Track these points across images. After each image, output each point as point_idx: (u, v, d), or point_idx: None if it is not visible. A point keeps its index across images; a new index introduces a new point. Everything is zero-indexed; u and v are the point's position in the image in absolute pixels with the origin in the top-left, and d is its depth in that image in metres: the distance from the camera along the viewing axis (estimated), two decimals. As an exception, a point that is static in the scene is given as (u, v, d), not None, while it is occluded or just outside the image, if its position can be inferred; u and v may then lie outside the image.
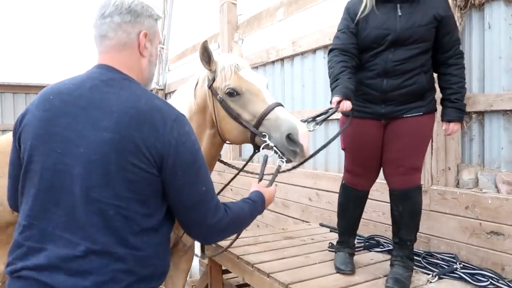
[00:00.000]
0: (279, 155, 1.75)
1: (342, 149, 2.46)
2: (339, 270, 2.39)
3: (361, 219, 2.55)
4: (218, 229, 1.29)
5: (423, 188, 2.48)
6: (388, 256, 2.59)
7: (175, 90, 7.66)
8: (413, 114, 2.18)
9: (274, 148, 1.74)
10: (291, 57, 4.39)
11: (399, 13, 2.13)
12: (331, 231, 3.39)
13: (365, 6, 2.18)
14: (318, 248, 2.89)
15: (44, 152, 1.15)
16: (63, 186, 1.12)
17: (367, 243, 2.90)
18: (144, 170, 1.12)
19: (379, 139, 2.28)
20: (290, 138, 1.70)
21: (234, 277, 3.54)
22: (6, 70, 7.75)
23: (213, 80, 1.90)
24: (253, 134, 1.80)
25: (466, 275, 2.26)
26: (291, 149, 1.71)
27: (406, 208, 2.24)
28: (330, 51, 2.29)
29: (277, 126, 1.74)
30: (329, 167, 3.91)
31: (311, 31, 4.02)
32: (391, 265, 2.29)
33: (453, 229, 2.61)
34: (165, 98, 7.45)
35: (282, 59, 4.54)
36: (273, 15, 4.75)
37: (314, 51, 4.05)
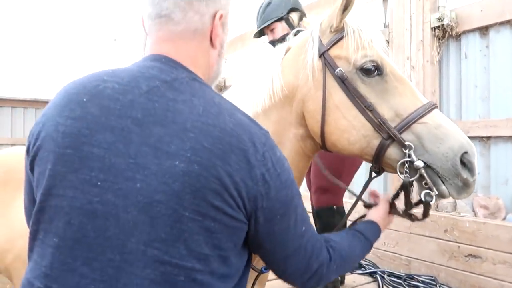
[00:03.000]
0: (427, 183, 1.10)
1: None
2: None
3: None
4: (320, 276, 0.94)
5: (404, 211, 2.54)
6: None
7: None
8: None
9: (423, 171, 1.09)
10: (274, 78, 4.46)
11: None
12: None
13: None
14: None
15: (73, 184, 0.78)
16: (103, 238, 0.76)
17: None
18: (229, 216, 0.77)
19: None
20: (464, 162, 1.10)
21: None
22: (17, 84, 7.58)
23: (332, 44, 1.22)
24: (386, 144, 1.13)
25: (446, 298, 2.30)
26: (464, 177, 1.08)
27: (320, 226, 2.31)
28: None
29: (440, 137, 1.11)
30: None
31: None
32: None
33: (432, 252, 2.67)
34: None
35: (265, 80, 4.60)
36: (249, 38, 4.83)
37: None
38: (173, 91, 0.81)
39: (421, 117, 1.12)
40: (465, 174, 1.08)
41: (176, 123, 0.77)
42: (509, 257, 2.27)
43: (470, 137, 2.85)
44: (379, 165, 1.19)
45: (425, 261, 2.71)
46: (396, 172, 1.14)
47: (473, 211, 2.59)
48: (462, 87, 2.74)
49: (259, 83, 1.31)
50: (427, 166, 1.10)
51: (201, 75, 0.90)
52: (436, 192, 1.10)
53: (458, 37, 2.77)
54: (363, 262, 2.95)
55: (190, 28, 0.88)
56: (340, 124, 1.18)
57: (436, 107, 1.17)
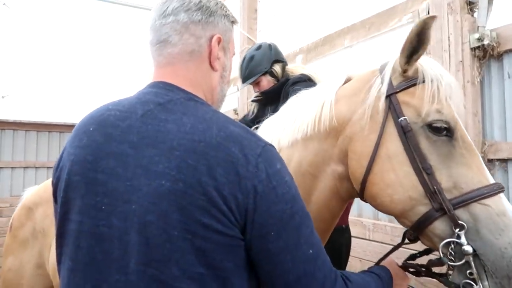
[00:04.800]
0: (472, 273, 0.94)
1: None
2: None
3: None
4: None
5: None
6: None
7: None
8: None
9: (470, 258, 0.94)
10: (310, 101, 4.49)
11: None
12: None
13: None
14: None
15: (81, 209, 0.82)
16: (110, 259, 0.78)
17: None
18: (220, 233, 0.75)
19: None
20: None
21: None
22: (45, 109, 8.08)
23: (403, 88, 1.10)
24: (434, 215, 0.99)
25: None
26: None
27: (328, 246, 2.38)
28: None
29: (501, 227, 0.94)
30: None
31: (330, 77, 4.14)
32: None
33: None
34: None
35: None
36: (292, 61, 4.92)
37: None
38: (165, 112, 0.84)
39: (484, 198, 0.96)
40: None
41: (165, 143, 0.79)
42: None
43: (517, 159, 2.70)
44: (416, 234, 1.06)
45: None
46: (435, 248, 1.00)
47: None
48: (507, 108, 2.65)
49: (307, 107, 1.20)
50: (475, 254, 0.94)
51: (202, 96, 0.93)
52: (481, 287, 0.93)
53: (500, 56, 2.70)
54: None
55: (187, 50, 0.92)
56: (386, 177, 1.03)
57: (504, 190, 1.00)
